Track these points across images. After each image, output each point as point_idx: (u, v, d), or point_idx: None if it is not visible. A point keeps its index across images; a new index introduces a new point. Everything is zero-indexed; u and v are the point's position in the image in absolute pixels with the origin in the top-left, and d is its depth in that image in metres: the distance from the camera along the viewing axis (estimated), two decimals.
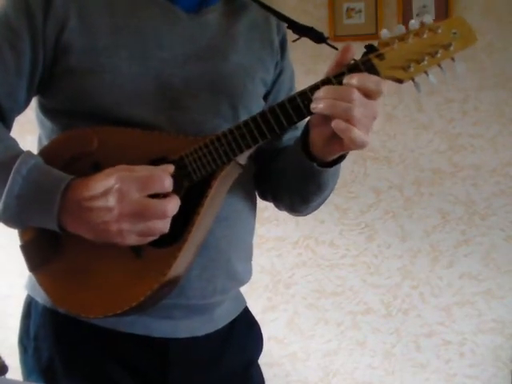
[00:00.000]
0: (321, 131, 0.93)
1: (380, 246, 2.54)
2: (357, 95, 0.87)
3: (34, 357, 1.09)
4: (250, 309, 1.24)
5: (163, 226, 0.89)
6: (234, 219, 1.07)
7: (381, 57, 0.89)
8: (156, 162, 0.94)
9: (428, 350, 2.53)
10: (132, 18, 1.02)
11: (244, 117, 0.99)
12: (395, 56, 0.89)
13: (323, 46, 1.14)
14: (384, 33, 0.90)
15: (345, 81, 0.88)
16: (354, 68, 0.89)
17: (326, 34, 1.13)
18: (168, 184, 0.89)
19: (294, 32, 1.12)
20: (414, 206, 2.50)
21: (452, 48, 0.88)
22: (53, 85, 1.03)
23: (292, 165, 1.06)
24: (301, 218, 2.51)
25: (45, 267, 1.00)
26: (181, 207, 0.91)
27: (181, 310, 1.06)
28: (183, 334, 1.08)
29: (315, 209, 1.16)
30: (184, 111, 1.03)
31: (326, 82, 0.90)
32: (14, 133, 1.05)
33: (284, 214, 1.23)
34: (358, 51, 0.91)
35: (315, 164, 0.99)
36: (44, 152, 1.01)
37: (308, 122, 0.97)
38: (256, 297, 2.58)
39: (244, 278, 1.13)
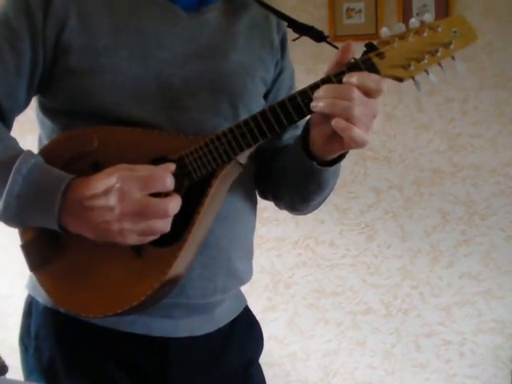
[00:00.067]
0: (321, 130, 0.93)
1: (380, 245, 2.54)
2: (357, 94, 0.87)
3: (34, 356, 1.09)
4: (250, 308, 1.24)
5: (164, 225, 0.89)
6: (235, 218, 1.07)
7: (381, 55, 0.89)
8: (156, 161, 0.94)
9: (428, 349, 2.53)
10: (132, 18, 1.02)
11: (244, 116, 0.99)
12: (395, 54, 0.89)
13: (323, 45, 1.14)
14: (384, 31, 0.90)
15: (345, 79, 0.88)
16: (354, 67, 0.89)
17: (326, 34, 1.13)
18: (170, 183, 0.89)
19: (294, 31, 1.12)
20: (413, 206, 2.50)
21: (452, 46, 0.88)
22: (53, 85, 1.02)
23: (292, 164, 1.06)
24: (301, 219, 2.51)
25: (45, 267, 1.00)
26: (181, 206, 0.91)
27: (181, 309, 1.06)
28: (183, 334, 1.08)
29: (315, 208, 1.16)
30: (184, 111, 1.03)
31: (326, 80, 0.90)
32: (15, 132, 1.05)
33: (284, 215, 1.23)
34: (358, 51, 0.91)
35: (315, 163, 0.99)
36: (44, 151, 1.01)
37: (308, 120, 0.97)
38: (256, 297, 2.58)
39: (245, 276, 1.13)
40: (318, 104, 0.88)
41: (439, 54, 0.88)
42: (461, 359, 2.51)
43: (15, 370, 1.41)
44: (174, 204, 0.89)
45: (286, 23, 1.14)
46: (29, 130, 1.48)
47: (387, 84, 0.89)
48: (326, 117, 0.90)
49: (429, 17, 0.89)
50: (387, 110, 2.47)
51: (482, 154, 2.43)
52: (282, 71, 1.18)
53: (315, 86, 0.90)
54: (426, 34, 0.88)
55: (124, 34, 1.01)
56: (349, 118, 0.87)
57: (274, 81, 1.17)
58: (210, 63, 1.06)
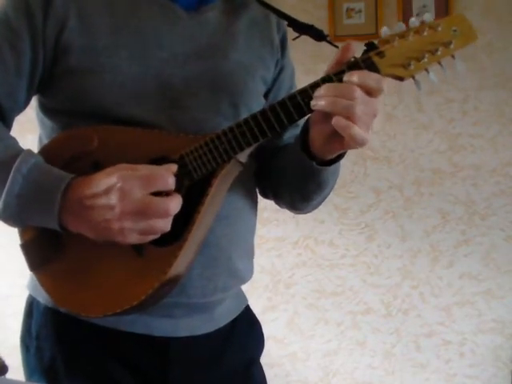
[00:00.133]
0: (321, 129, 0.93)
1: (380, 245, 2.54)
2: (359, 93, 0.87)
3: (36, 356, 1.09)
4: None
5: (165, 224, 0.89)
6: (235, 217, 1.07)
7: (381, 54, 0.89)
8: (156, 160, 0.94)
9: (428, 349, 2.53)
10: (132, 18, 1.02)
11: (244, 115, 0.98)
12: (395, 53, 0.89)
13: (323, 45, 1.14)
14: (384, 30, 0.90)
15: (345, 78, 0.88)
16: (354, 66, 0.89)
17: (326, 34, 1.13)
18: (171, 182, 0.89)
19: (294, 30, 1.12)
20: (414, 206, 2.50)
21: (452, 46, 0.88)
22: (53, 85, 1.02)
23: (292, 163, 1.06)
24: (301, 219, 2.51)
25: (45, 266, 0.99)
26: (181, 206, 0.91)
27: (181, 309, 1.06)
28: (184, 333, 1.08)
29: (316, 207, 1.16)
30: (184, 110, 1.03)
31: (326, 79, 0.90)
32: (15, 132, 1.05)
33: (284, 215, 1.24)
34: (358, 51, 0.91)
35: (314, 163, 0.98)
36: (44, 151, 1.01)
37: (308, 119, 0.97)
38: (256, 297, 2.58)
39: (245, 275, 1.13)
40: (319, 102, 0.88)
41: (439, 52, 0.88)
42: (461, 359, 2.51)
43: (15, 370, 1.42)
44: (175, 203, 0.89)
45: (285, 22, 1.14)
46: (29, 130, 1.48)
47: (387, 84, 0.89)
48: (326, 116, 0.90)
49: (429, 16, 0.89)
50: (387, 110, 2.47)
51: (482, 154, 2.44)
52: (282, 70, 1.18)
53: (315, 85, 0.90)
54: (426, 33, 0.88)
55: (124, 34, 1.01)
56: (350, 117, 0.87)
57: (275, 80, 1.17)
58: (210, 63, 1.06)
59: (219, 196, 0.98)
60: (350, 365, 2.61)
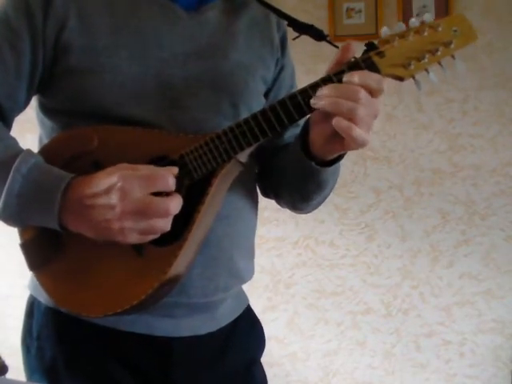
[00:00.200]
0: (321, 130, 0.93)
1: (380, 245, 2.54)
2: (363, 94, 0.86)
3: (36, 356, 1.09)
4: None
5: (165, 224, 0.89)
6: (235, 217, 1.07)
7: (381, 54, 0.88)
8: (156, 160, 0.94)
9: (428, 349, 2.53)
10: (132, 18, 1.02)
11: (245, 115, 0.98)
12: (395, 53, 0.88)
13: (323, 45, 1.14)
14: (384, 30, 0.90)
15: (345, 78, 0.88)
16: (355, 66, 0.89)
17: (326, 34, 1.13)
18: (171, 183, 0.89)
19: (294, 30, 1.12)
20: (413, 206, 2.50)
21: (452, 45, 0.88)
22: (53, 85, 1.02)
23: (292, 163, 1.06)
24: (301, 219, 2.51)
25: (45, 266, 0.99)
26: (182, 205, 0.91)
27: (182, 309, 1.06)
28: (185, 333, 1.08)
29: (316, 207, 1.16)
30: (184, 110, 1.03)
31: (326, 79, 0.90)
32: (15, 132, 1.05)
33: (284, 215, 1.24)
34: (358, 51, 0.91)
35: (314, 163, 0.98)
36: (44, 151, 1.01)
37: (308, 120, 0.97)
38: (256, 297, 2.58)
39: (246, 275, 1.13)
40: (320, 102, 0.88)
41: (439, 52, 0.88)
42: (461, 359, 2.51)
43: (15, 370, 1.42)
44: (175, 203, 0.89)
45: (285, 22, 1.14)
46: (29, 130, 1.48)
47: (387, 84, 0.89)
48: (327, 116, 0.89)
49: (429, 16, 0.89)
50: (387, 110, 2.47)
51: (482, 154, 2.44)
52: (282, 70, 1.18)
53: (315, 85, 0.90)
54: (426, 33, 0.88)
55: (124, 34, 1.01)
56: (351, 118, 0.87)
57: (275, 79, 1.17)
58: (211, 62, 1.06)
59: (219, 196, 0.98)
60: (349, 365, 2.61)
